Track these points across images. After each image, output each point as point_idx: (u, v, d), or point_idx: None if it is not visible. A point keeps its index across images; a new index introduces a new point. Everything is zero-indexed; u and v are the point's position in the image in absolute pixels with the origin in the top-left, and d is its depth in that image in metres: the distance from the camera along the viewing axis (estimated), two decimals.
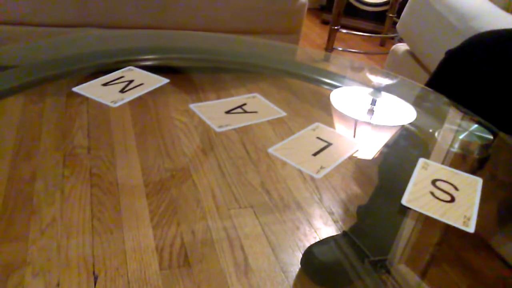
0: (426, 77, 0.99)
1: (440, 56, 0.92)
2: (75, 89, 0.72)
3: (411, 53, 1.48)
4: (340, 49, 2.38)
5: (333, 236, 0.72)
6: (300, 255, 0.69)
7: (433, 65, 1.01)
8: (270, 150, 0.63)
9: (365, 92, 0.86)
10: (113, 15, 1.41)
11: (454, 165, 0.65)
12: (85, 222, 0.74)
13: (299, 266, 0.67)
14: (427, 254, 0.65)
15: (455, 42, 0.91)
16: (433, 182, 0.60)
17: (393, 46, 1.59)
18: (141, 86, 0.74)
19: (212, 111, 0.71)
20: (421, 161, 0.64)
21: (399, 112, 0.80)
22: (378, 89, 0.86)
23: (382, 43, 2.66)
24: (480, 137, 0.72)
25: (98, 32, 1.42)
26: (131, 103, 0.70)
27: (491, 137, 0.72)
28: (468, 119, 0.79)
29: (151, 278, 0.65)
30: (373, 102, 0.82)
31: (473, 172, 0.64)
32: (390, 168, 0.77)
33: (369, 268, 0.61)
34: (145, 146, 0.93)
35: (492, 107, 0.82)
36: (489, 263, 0.61)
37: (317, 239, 0.70)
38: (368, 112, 0.79)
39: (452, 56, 0.90)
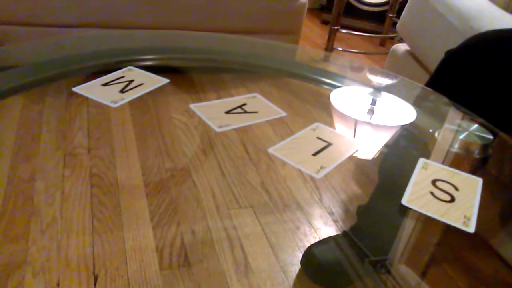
0: (426, 77, 0.99)
1: (440, 56, 0.92)
2: (75, 89, 0.72)
3: (411, 53, 1.48)
4: (340, 49, 2.38)
5: (333, 236, 0.71)
6: (300, 255, 0.68)
7: (433, 65, 1.01)
8: (270, 150, 0.63)
9: (365, 92, 0.86)
10: (113, 15, 1.41)
11: (454, 165, 0.65)
12: (85, 222, 0.74)
13: (299, 266, 0.67)
14: (427, 254, 0.65)
15: (455, 42, 0.91)
16: (433, 182, 0.60)
17: (393, 46, 1.59)
18: (141, 86, 0.74)
19: (212, 111, 0.71)
20: (421, 161, 0.64)
21: (399, 112, 0.80)
22: (378, 89, 0.86)
23: (382, 43, 2.66)
24: (480, 137, 0.72)
25: (98, 32, 1.42)
26: (131, 103, 0.70)
27: (491, 137, 0.72)
28: (468, 119, 0.79)
29: (151, 278, 0.65)
30: (373, 102, 0.82)
31: (473, 172, 0.64)
32: (390, 168, 0.77)
33: (369, 268, 0.61)
34: (145, 146, 0.93)
35: (492, 107, 0.82)
36: (489, 263, 0.61)
37: (317, 239, 0.70)
38: (368, 112, 0.79)
39: (452, 56, 0.90)
